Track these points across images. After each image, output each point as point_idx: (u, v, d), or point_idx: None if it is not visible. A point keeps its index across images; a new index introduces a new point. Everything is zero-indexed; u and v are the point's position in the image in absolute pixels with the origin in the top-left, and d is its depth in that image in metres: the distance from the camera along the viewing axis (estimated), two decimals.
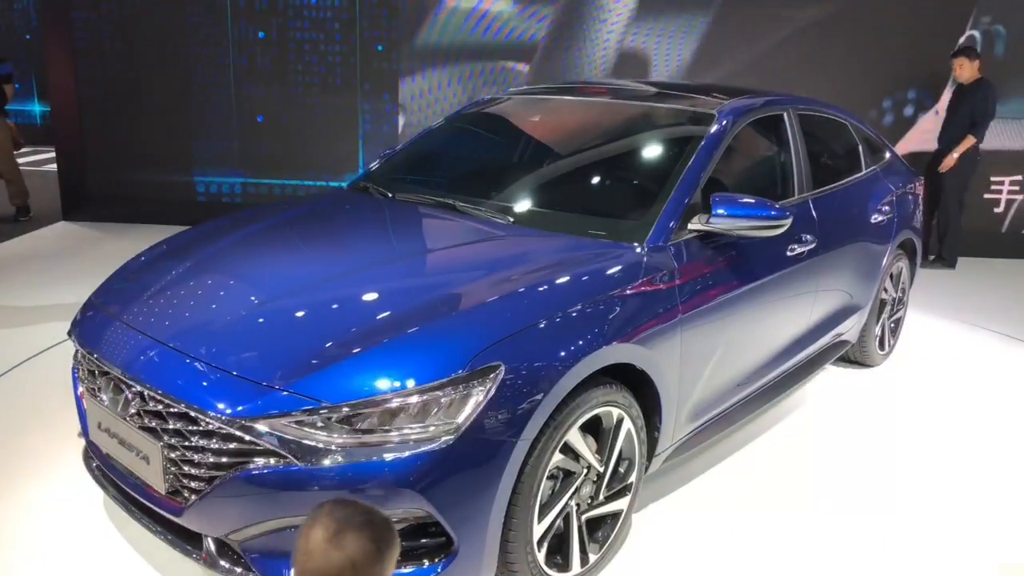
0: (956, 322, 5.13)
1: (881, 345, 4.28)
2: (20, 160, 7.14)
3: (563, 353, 2.13)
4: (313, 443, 1.89)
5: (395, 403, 1.91)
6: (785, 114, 3.42)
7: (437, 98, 6.77)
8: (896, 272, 4.28)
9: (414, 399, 1.92)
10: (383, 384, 1.93)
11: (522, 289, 2.25)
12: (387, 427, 1.91)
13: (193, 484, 2.01)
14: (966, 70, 6.21)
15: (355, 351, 2.01)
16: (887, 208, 4.00)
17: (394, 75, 6.74)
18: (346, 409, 1.90)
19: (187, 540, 2.13)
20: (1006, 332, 4.96)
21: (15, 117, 7.79)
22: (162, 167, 6.94)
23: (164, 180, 6.96)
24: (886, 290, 4.19)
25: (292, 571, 1.97)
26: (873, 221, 3.88)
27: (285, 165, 6.93)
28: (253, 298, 2.33)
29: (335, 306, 2.25)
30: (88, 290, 2.57)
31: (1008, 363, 4.48)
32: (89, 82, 6.79)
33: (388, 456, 1.90)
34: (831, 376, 4.13)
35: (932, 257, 6.61)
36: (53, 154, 7.29)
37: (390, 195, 3.09)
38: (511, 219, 2.75)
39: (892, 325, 4.39)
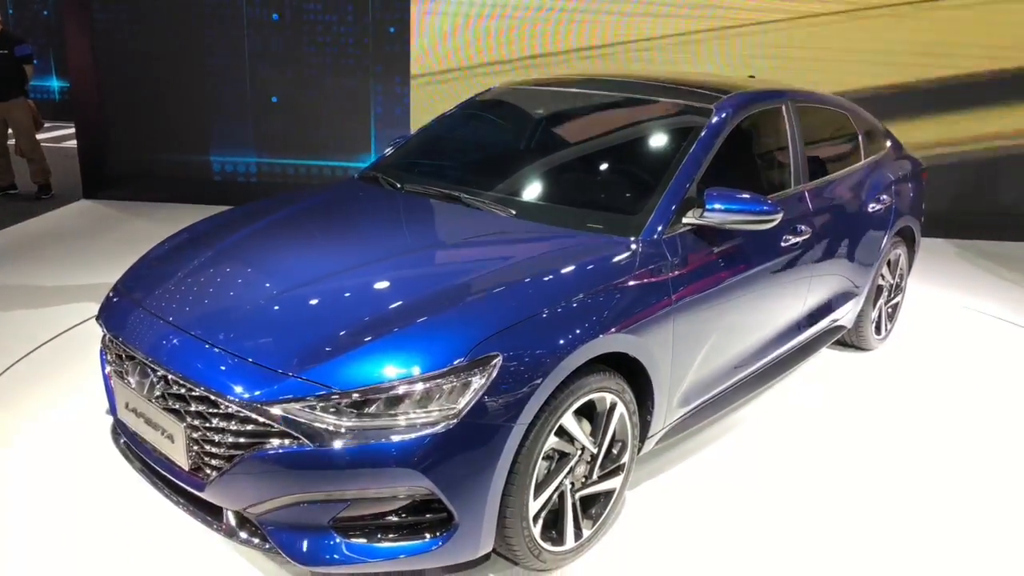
0: (955, 306, 5.22)
1: (878, 330, 4.39)
2: (40, 136, 7.31)
3: (559, 343, 2.27)
4: (324, 426, 2.04)
5: (401, 390, 2.06)
6: (783, 107, 3.51)
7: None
8: (894, 259, 4.38)
9: (418, 386, 2.06)
10: (390, 372, 2.07)
11: (521, 282, 2.39)
12: (393, 412, 2.06)
13: (214, 462, 2.17)
14: None
15: (365, 340, 2.15)
16: (885, 197, 4.09)
17: (405, 57, 6.83)
18: (355, 395, 2.05)
19: (208, 512, 2.30)
20: (1002, 316, 5.05)
21: (34, 93, 7.97)
22: (179, 147, 7.10)
23: (181, 159, 7.13)
24: (883, 276, 4.29)
25: (304, 542, 2.14)
26: (870, 210, 3.97)
27: (299, 145, 7.08)
28: (269, 287, 2.48)
29: (346, 296, 2.39)
30: (110, 269, 2.72)
31: (1001, 346, 4.58)
32: (108, 63, 6.94)
33: (394, 438, 2.05)
34: (826, 359, 4.25)
35: None
36: (72, 130, 7.45)
37: (399, 186, 3.22)
38: (513, 212, 2.87)
39: (889, 310, 4.49)
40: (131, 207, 6.96)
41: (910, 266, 4.64)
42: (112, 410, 2.61)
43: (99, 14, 6.82)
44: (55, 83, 12.60)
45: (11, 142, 7.16)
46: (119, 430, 2.61)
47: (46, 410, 3.36)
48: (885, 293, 4.36)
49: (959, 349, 4.52)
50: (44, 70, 12.24)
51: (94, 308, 4.39)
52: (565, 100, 3.67)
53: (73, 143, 7.80)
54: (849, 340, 4.31)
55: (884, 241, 4.11)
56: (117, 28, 6.86)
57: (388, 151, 3.75)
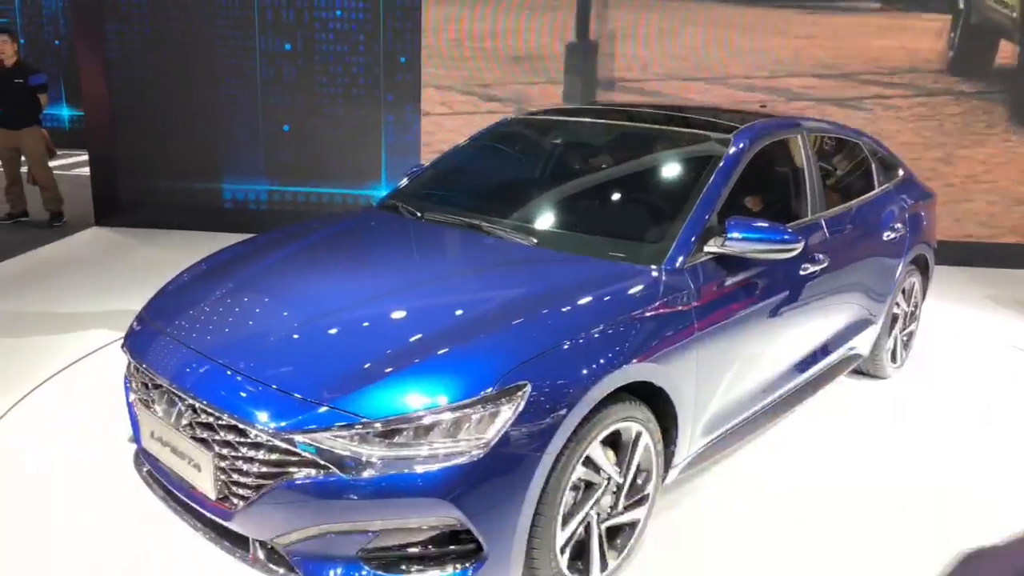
0: (973, 335, 5.22)
1: (893, 358, 4.38)
2: (52, 164, 7.36)
3: (586, 372, 2.27)
4: (352, 455, 2.04)
5: (428, 420, 2.05)
6: (799, 136, 3.53)
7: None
8: (909, 287, 4.38)
9: (446, 416, 2.06)
10: (417, 402, 2.07)
11: (547, 311, 2.39)
12: (421, 441, 2.06)
13: (241, 491, 2.16)
14: None
15: (391, 370, 2.15)
16: (899, 225, 4.10)
17: (416, 86, 6.90)
18: (379, 425, 2.04)
19: (233, 541, 2.28)
20: (1020, 344, 5.04)
21: (45, 122, 8.04)
22: (191, 175, 7.14)
23: (193, 187, 7.17)
24: (898, 304, 4.29)
25: (331, 573, 2.12)
26: (886, 238, 3.98)
27: (310, 174, 7.11)
28: (294, 317, 2.48)
29: (372, 326, 2.40)
30: (123, 296, 2.73)
31: (1018, 375, 4.57)
32: (121, 92, 7.00)
33: (422, 469, 2.04)
34: (842, 387, 4.23)
35: None
36: (82, 158, 7.49)
37: (419, 215, 3.24)
38: (535, 240, 2.89)
39: (904, 338, 4.48)
40: (143, 235, 7.00)
41: (924, 294, 4.64)
42: (136, 438, 2.60)
43: (112, 43, 6.90)
44: (66, 111, 12.71)
45: (24, 170, 7.21)
46: (142, 458, 2.60)
47: (67, 437, 3.34)
48: (900, 321, 4.36)
49: (974, 377, 4.50)
50: (54, 98, 12.32)
51: (109, 335, 4.42)
52: (583, 130, 3.70)
53: (84, 171, 7.86)
54: (864, 368, 4.30)
55: (899, 269, 4.12)
56: (130, 57, 6.93)
57: (405, 181, 3.78)
